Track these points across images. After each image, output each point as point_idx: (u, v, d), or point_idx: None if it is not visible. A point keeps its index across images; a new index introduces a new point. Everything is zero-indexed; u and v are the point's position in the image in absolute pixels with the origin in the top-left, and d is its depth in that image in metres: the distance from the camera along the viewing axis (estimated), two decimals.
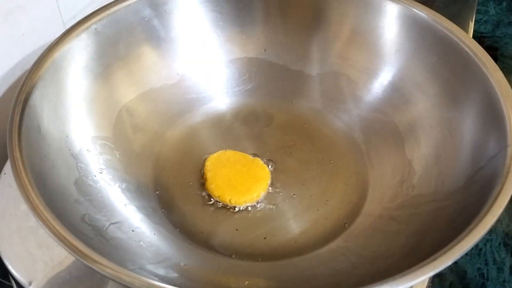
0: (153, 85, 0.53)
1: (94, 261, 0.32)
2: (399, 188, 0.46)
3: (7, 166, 0.47)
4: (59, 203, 0.38)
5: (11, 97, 0.41)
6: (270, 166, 0.50)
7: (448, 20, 0.47)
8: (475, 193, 0.39)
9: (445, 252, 0.33)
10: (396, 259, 0.40)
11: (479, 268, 0.52)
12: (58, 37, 0.46)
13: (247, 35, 0.56)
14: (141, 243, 0.42)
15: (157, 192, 0.48)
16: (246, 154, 0.51)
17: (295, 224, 0.47)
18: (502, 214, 0.35)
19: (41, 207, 0.34)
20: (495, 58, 0.45)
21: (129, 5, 0.49)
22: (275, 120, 0.55)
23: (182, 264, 0.42)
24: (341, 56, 0.54)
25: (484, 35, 0.79)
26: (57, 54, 0.45)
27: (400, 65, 0.51)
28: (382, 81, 0.52)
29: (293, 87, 0.56)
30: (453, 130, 0.45)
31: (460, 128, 0.45)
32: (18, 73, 0.50)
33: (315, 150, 0.51)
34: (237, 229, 0.46)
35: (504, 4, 0.85)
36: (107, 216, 0.42)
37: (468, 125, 0.44)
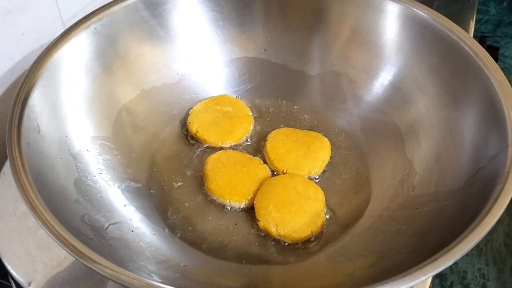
0: (153, 85, 0.53)
1: (94, 261, 0.32)
2: (400, 188, 0.46)
3: (6, 166, 0.47)
4: (58, 203, 0.38)
5: (11, 97, 0.41)
6: (270, 166, 0.50)
7: (449, 20, 0.47)
8: (475, 193, 0.39)
9: (445, 253, 0.33)
10: (396, 259, 0.39)
11: (479, 269, 0.52)
12: (58, 36, 0.46)
13: (247, 35, 0.56)
14: (141, 243, 0.42)
15: (157, 192, 0.48)
16: (246, 154, 0.51)
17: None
18: (502, 214, 0.34)
19: (41, 207, 0.34)
20: (495, 58, 0.44)
21: (128, 4, 0.49)
22: (275, 120, 0.54)
23: (182, 264, 0.42)
24: (341, 55, 0.54)
25: (484, 34, 0.79)
26: (56, 54, 0.44)
27: (400, 65, 0.51)
28: (382, 81, 0.52)
29: (293, 87, 0.56)
30: (454, 130, 0.45)
31: (460, 128, 0.45)
32: (18, 73, 0.50)
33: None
34: (237, 227, 0.46)
35: (505, 3, 0.85)
36: (107, 217, 0.42)
37: (469, 125, 0.44)
